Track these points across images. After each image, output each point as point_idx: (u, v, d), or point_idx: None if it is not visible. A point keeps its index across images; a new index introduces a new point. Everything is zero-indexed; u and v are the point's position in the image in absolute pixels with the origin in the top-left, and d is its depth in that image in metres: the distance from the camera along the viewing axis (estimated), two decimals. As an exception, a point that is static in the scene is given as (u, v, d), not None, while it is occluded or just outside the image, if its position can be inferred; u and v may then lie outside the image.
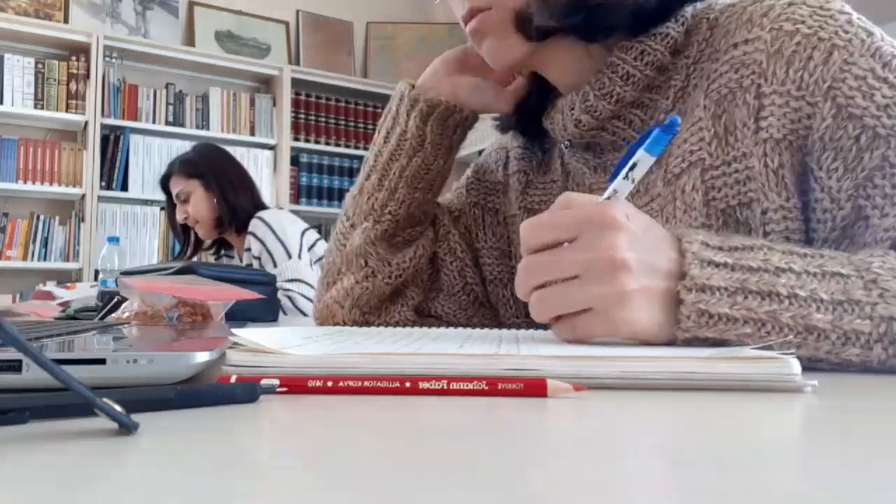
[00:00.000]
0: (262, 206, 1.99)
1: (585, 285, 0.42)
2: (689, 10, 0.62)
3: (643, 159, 0.45)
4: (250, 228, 1.87)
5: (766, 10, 0.56)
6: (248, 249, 1.87)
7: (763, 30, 0.55)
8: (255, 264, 1.83)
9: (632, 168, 0.45)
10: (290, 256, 1.82)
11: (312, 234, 1.94)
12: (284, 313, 1.71)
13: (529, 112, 0.73)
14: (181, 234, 2.02)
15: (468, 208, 0.81)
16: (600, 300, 0.41)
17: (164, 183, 1.98)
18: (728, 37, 0.58)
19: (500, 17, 0.62)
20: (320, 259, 1.90)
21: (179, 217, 1.94)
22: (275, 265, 1.81)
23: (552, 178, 0.75)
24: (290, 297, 1.75)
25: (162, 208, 3.11)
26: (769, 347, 0.36)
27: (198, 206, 1.92)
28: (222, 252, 2.08)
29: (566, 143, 0.69)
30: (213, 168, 1.93)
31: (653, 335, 0.42)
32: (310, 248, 1.90)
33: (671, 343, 0.42)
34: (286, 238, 1.84)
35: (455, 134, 0.72)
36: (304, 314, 1.72)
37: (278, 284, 1.75)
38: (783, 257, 0.43)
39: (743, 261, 0.42)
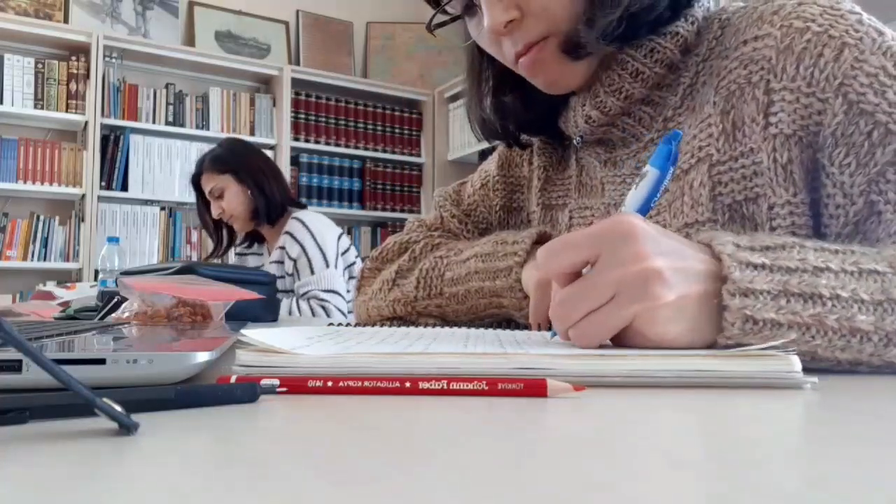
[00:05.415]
0: (293, 198, 2.00)
1: (621, 305, 0.38)
2: (699, 10, 0.62)
3: (650, 173, 0.44)
4: (288, 228, 1.86)
5: (777, 8, 0.56)
6: (283, 248, 1.86)
7: (773, 27, 0.55)
8: (289, 266, 1.83)
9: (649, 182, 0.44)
10: (327, 265, 1.82)
11: (345, 240, 1.94)
12: (305, 315, 1.71)
13: (542, 117, 0.73)
14: (213, 231, 2.01)
15: (493, 213, 0.81)
16: (637, 317, 0.38)
17: (196, 181, 1.97)
18: (738, 34, 0.59)
19: (555, 47, 0.61)
20: (350, 266, 1.92)
21: (214, 213, 1.92)
22: (312, 272, 1.81)
23: (569, 174, 0.75)
24: (324, 308, 1.76)
25: (162, 208, 3.11)
26: (815, 353, 0.37)
27: (232, 200, 1.90)
28: (254, 245, 2.05)
29: (578, 138, 0.69)
30: (243, 161, 1.93)
31: (688, 343, 0.39)
32: (343, 254, 1.90)
33: (710, 348, 0.39)
34: (325, 245, 1.84)
35: None
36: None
37: (314, 293, 1.76)
38: (818, 255, 0.40)
39: (780, 261, 0.39)
